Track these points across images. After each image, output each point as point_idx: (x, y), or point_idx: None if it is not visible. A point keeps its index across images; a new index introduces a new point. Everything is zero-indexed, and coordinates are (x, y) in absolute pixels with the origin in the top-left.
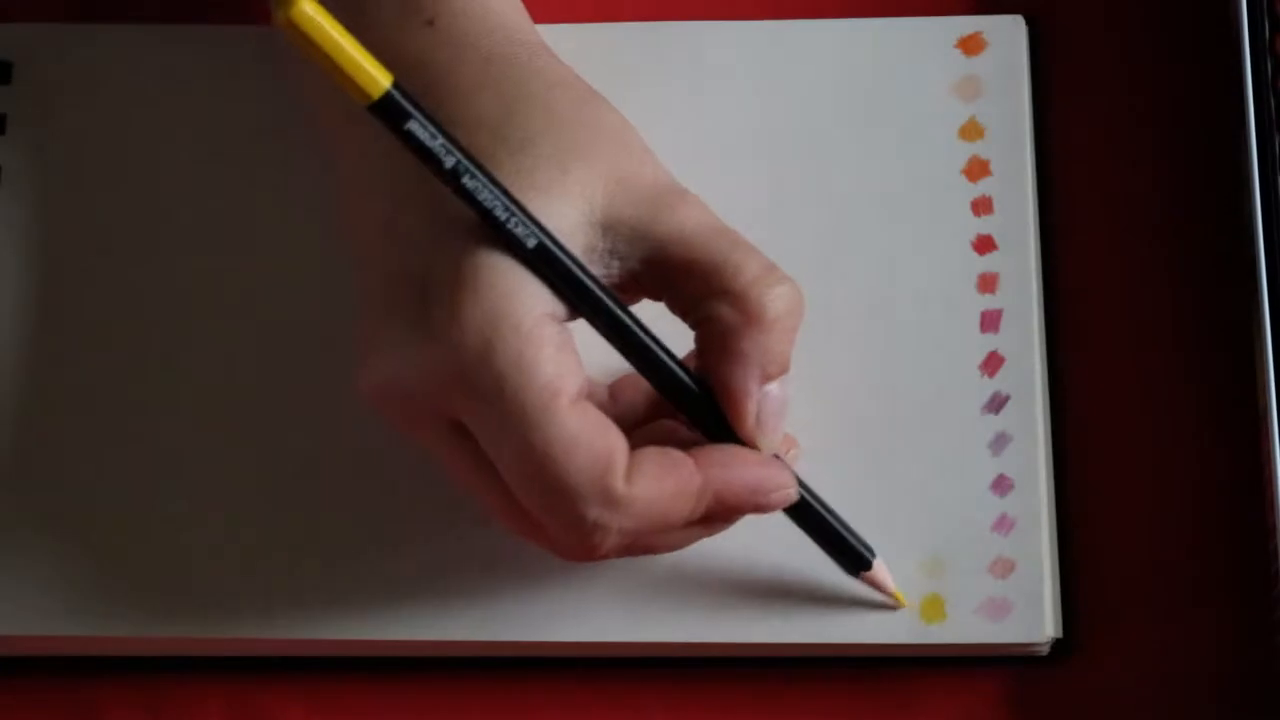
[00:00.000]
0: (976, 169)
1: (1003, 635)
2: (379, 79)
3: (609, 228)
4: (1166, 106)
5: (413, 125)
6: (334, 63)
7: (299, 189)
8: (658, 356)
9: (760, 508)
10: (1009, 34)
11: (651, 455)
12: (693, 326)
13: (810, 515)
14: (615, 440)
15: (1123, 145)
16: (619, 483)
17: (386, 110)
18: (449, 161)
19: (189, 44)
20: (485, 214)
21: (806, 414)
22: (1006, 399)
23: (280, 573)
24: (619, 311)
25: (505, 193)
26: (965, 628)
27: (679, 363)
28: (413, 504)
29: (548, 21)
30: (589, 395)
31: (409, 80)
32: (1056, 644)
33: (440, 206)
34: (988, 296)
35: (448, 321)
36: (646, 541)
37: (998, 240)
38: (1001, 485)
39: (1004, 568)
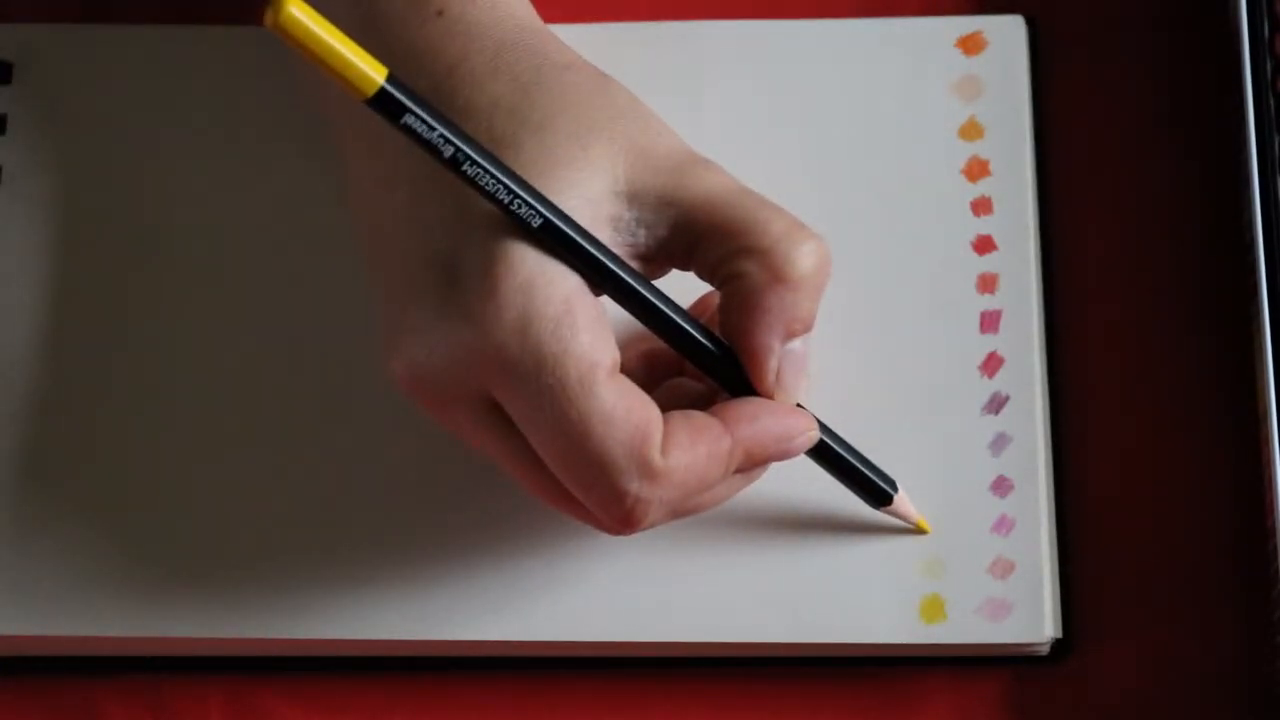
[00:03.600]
0: (976, 169)
1: (1003, 635)
2: (373, 75)
3: (634, 198)
4: (1166, 106)
5: (409, 119)
6: (326, 62)
7: (300, 188)
8: (671, 317)
9: (787, 454)
10: (1009, 34)
11: (680, 423)
12: (718, 286)
13: (832, 454)
14: (652, 412)
15: (1123, 145)
16: (656, 455)
17: (384, 105)
18: (447, 151)
19: (189, 44)
20: (490, 198)
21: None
22: (1006, 399)
23: (280, 573)
24: (626, 276)
25: (509, 174)
26: (965, 628)
27: (694, 321)
28: (414, 504)
29: (549, 21)
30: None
31: (422, 70)
32: (1056, 644)
33: (461, 192)
34: (988, 296)
35: (482, 299)
36: (688, 505)
37: (998, 240)
38: (1001, 486)
39: (1004, 568)
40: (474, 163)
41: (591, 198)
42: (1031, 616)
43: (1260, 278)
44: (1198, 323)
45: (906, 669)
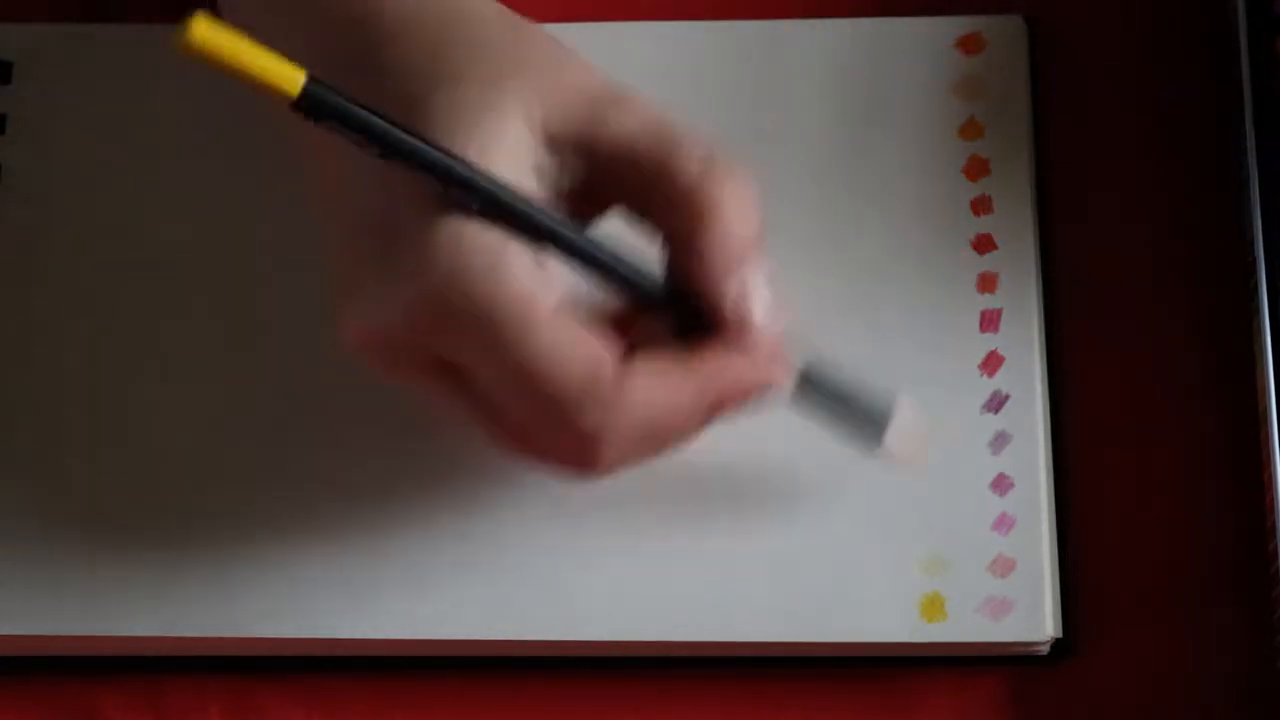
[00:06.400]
0: (976, 169)
1: (1003, 635)
2: (291, 80)
3: (552, 142)
4: (1166, 106)
5: (332, 124)
6: (246, 73)
7: (300, 186)
8: (628, 270)
9: (760, 399)
10: (1009, 34)
11: (643, 358)
12: (656, 237)
13: (820, 388)
14: (600, 346)
15: (1123, 145)
16: (607, 383)
17: (307, 108)
18: (373, 151)
19: None
20: (429, 172)
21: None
22: (1006, 399)
23: (280, 572)
24: (577, 238)
25: (437, 146)
26: (965, 627)
27: (634, 264)
28: (413, 503)
29: (548, 21)
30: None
31: (342, 42)
32: (1056, 644)
33: None
34: (988, 296)
35: (416, 253)
36: (656, 445)
37: (998, 240)
38: (1001, 485)
39: (1004, 567)
40: (399, 152)
41: (511, 144)
42: (1032, 616)
43: (1260, 278)
44: (1198, 322)
45: (906, 668)
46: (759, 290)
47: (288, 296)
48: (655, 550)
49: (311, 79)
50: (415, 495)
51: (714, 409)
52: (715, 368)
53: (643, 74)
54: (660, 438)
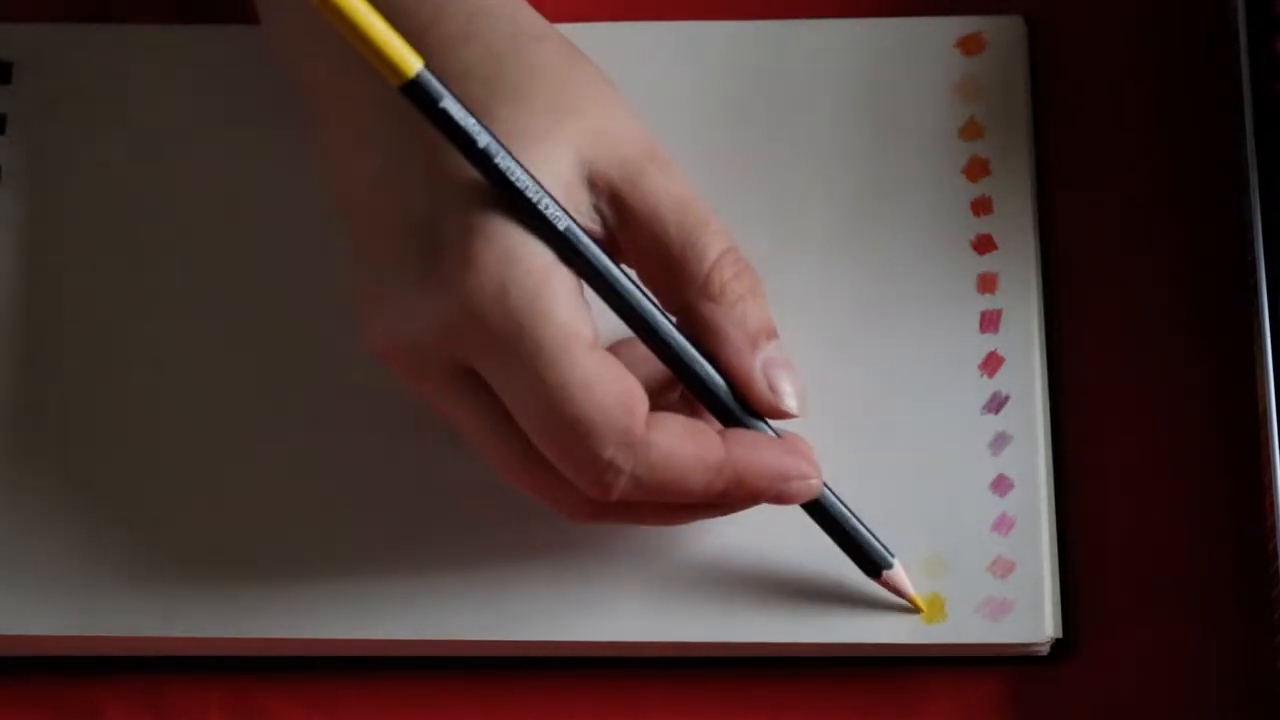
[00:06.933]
0: (976, 169)
1: (1003, 635)
2: (411, 59)
3: (593, 183)
4: (1166, 106)
5: (448, 104)
6: (367, 40)
7: (300, 187)
8: (682, 345)
9: (781, 496)
10: (1009, 34)
11: (676, 417)
12: (671, 312)
13: (830, 513)
14: (635, 386)
15: (1123, 145)
16: (638, 423)
17: (419, 90)
18: (482, 140)
19: (189, 44)
20: (515, 194)
21: (807, 413)
22: (1006, 399)
23: (280, 573)
24: (641, 296)
25: (531, 175)
26: (965, 628)
27: (699, 348)
28: (413, 503)
29: (560, 21)
30: None
31: (410, 44)
32: (1056, 644)
33: (439, 158)
34: (988, 296)
35: (461, 267)
36: (655, 512)
37: (998, 240)
38: (1001, 485)
39: (1004, 568)
40: (507, 155)
41: (563, 177)
42: (1031, 616)
43: (1260, 278)
44: (1197, 322)
45: (906, 669)
46: (788, 367)
47: (289, 296)
48: (655, 551)
49: (427, 67)
50: (416, 496)
51: (733, 485)
52: (748, 443)
53: (642, 73)
54: (672, 491)
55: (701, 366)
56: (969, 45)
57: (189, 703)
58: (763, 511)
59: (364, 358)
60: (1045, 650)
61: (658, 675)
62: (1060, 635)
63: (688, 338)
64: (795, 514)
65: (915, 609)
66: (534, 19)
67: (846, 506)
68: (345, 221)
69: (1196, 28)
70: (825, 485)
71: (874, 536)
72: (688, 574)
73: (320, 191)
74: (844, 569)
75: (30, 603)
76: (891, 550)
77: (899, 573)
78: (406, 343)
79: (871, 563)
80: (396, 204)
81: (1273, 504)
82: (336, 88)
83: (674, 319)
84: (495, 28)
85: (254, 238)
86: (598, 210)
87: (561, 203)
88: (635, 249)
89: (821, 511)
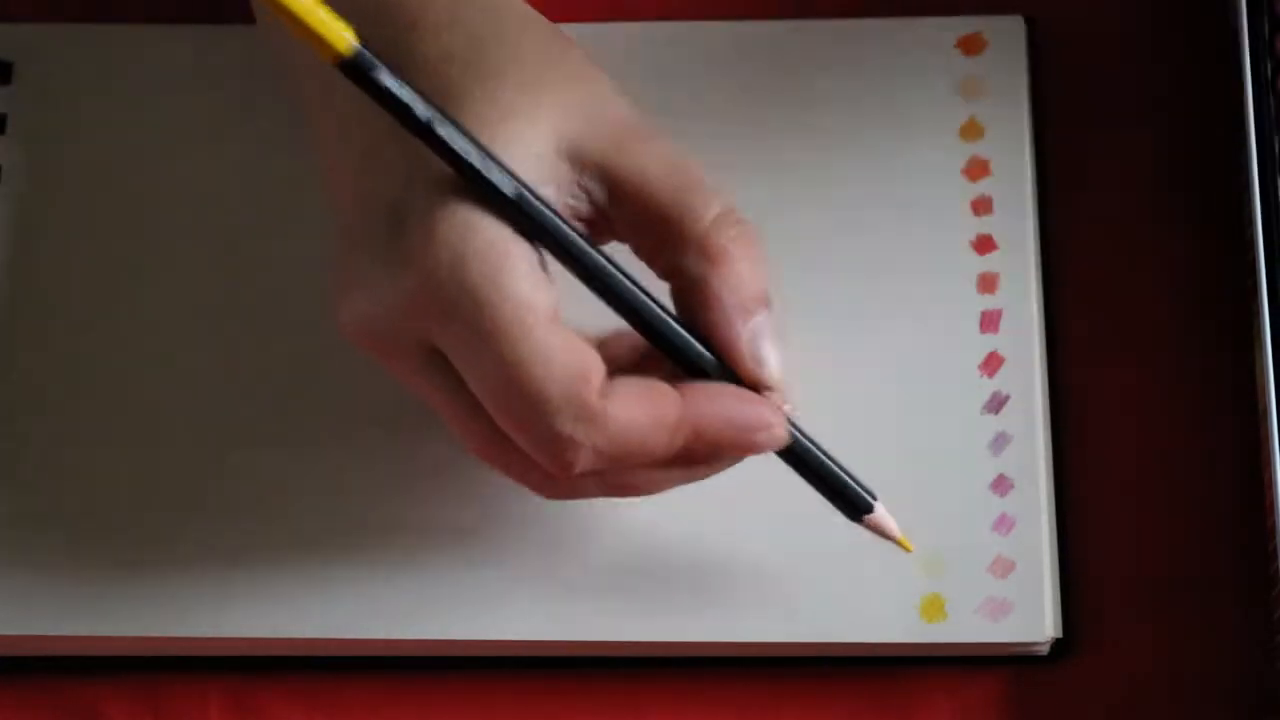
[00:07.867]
0: (976, 169)
1: (1003, 635)
2: (345, 35)
3: (576, 159)
4: (1166, 106)
5: (381, 75)
6: (301, 22)
7: (300, 187)
8: (649, 308)
9: (745, 447)
10: (1009, 34)
11: (630, 380)
12: (663, 278)
13: (806, 459)
14: (590, 358)
15: (1122, 145)
16: (593, 395)
17: (355, 67)
18: (421, 111)
19: (189, 44)
20: (459, 163)
21: (806, 414)
22: (1006, 399)
23: (280, 573)
24: (604, 261)
25: (477, 142)
26: (965, 627)
27: (669, 313)
28: (411, 503)
29: (557, 20)
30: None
31: (380, 24)
32: (1056, 644)
33: (414, 143)
34: (988, 296)
35: (421, 242)
36: (624, 478)
37: (998, 240)
38: (1001, 485)
39: (1004, 568)
40: (446, 123)
41: (537, 153)
42: (1031, 616)
43: (1260, 278)
44: (1197, 322)
45: (906, 669)
46: (775, 337)
47: (288, 295)
48: (655, 550)
49: (364, 43)
50: (415, 495)
51: (693, 439)
52: (704, 396)
53: (643, 73)
54: (636, 457)
55: (669, 327)
56: (969, 45)
57: (188, 702)
58: (763, 511)
59: (363, 356)
60: (1045, 650)
61: (658, 675)
62: (1060, 635)
63: (680, 300)
64: (795, 514)
65: (904, 548)
66: (520, 6)
67: (823, 451)
68: (338, 215)
69: (1196, 28)
70: (799, 431)
71: (853, 479)
72: (688, 574)
73: (319, 191)
74: (844, 569)
75: (30, 603)
76: (871, 490)
77: (882, 514)
78: (373, 321)
79: (853, 506)
80: (370, 187)
81: (1273, 504)
82: (321, 77)
83: (643, 287)
84: (479, 14)
85: (253, 237)
86: (583, 187)
87: (536, 178)
88: (627, 222)
89: (796, 458)
